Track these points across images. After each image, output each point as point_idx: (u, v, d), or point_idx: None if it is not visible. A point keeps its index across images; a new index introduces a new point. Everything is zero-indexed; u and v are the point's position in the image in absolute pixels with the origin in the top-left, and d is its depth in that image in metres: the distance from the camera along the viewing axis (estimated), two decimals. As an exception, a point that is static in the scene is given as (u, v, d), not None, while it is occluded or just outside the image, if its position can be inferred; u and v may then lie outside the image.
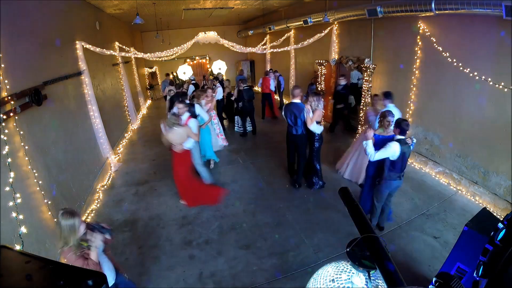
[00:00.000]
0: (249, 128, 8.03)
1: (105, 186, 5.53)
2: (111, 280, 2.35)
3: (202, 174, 5.13)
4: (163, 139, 4.50)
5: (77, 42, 5.32)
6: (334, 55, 7.82)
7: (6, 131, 2.89)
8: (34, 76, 3.64)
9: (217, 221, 4.34)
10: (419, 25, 5.13)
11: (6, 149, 2.82)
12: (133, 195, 5.21)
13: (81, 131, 5.03)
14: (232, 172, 5.90)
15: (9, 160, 2.83)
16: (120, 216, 4.61)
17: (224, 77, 10.70)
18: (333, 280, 1.06)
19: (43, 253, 3.10)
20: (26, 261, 0.70)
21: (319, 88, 8.24)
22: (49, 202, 3.43)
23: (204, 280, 3.31)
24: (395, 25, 5.71)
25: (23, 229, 2.81)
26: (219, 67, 11.60)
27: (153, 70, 14.96)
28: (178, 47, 7.66)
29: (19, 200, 2.85)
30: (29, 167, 3.20)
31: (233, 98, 8.05)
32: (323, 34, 7.77)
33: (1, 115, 2.79)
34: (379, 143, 3.56)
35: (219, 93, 7.88)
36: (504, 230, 1.26)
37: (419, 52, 5.29)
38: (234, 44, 8.50)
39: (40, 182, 3.32)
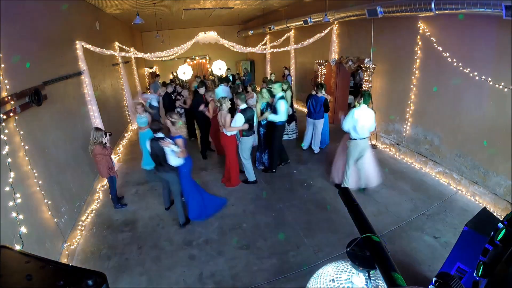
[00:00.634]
0: None
1: (105, 186, 5.53)
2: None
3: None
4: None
5: (77, 42, 5.32)
6: (334, 55, 7.82)
7: (6, 131, 2.90)
8: (34, 76, 3.65)
9: (217, 221, 4.34)
10: (419, 25, 5.13)
11: (6, 149, 2.82)
12: (133, 195, 5.21)
13: (81, 131, 5.04)
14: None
15: (9, 160, 2.83)
16: (120, 216, 4.61)
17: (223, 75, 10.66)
18: (333, 280, 1.06)
19: (43, 253, 3.10)
20: (26, 261, 0.69)
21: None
22: (49, 202, 3.44)
23: (204, 280, 3.31)
24: (395, 25, 5.71)
25: (23, 229, 2.81)
26: (219, 67, 11.59)
27: (153, 70, 14.96)
28: (178, 47, 7.66)
29: (19, 200, 2.85)
30: (29, 167, 3.20)
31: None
32: (323, 34, 7.77)
33: (1, 115, 2.79)
34: None
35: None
36: (504, 230, 1.26)
37: (419, 52, 5.29)
38: (234, 44, 8.49)
39: (40, 182, 3.32)
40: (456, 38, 4.59)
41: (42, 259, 0.70)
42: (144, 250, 3.82)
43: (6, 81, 2.96)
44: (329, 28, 7.75)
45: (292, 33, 10.09)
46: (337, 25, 7.69)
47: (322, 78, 8.35)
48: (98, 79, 6.53)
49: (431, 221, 4.10)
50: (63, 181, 4.08)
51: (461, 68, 4.45)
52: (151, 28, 11.34)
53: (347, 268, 1.08)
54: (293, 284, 3.19)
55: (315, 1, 7.90)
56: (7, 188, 2.77)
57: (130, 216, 4.60)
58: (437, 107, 5.12)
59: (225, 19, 12.76)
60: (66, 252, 3.60)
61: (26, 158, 3.17)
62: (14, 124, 3.05)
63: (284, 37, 9.90)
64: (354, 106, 4.66)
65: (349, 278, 1.05)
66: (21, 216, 2.83)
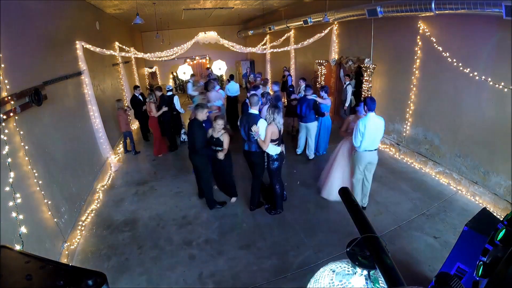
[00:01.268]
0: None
1: (105, 186, 5.54)
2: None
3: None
4: None
5: (77, 42, 5.32)
6: (334, 55, 7.82)
7: (6, 131, 2.89)
8: (34, 76, 3.65)
9: (217, 221, 4.34)
10: (419, 25, 5.13)
11: (6, 149, 2.82)
12: (133, 195, 5.21)
13: (81, 131, 5.04)
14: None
15: (9, 160, 2.83)
16: (120, 216, 4.61)
17: (225, 77, 10.67)
18: (333, 280, 1.06)
19: (43, 253, 3.10)
20: (26, 261, 0.69)
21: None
22: (49, 202, 3.44)
23: (204, 280, 3.31)
24: (395, 25, 5.71)
25: (23, 229, 2.81)
26: (219, 67, 11.60)
27: (153, 70, 14.96)
28: (178, 47, 7.67)
29: (19, 200, 2.85)
30: (29, 167, 3.20)
31: None
32: (323, 34, 7.77)
33: (1, 115, 2.79)
34: None
35: None
36: (504, 230, 1.26)
37: (419, 52, 5.29)
38: (234, 44, 8.50)
39: (40, 182, 3.32)
40: (456, 38, 4.59)
41: (42, 259, 0.70)
42: (144, 250, 3.82)
43: (6, 81, 2.96)
44: (329, 28, 7.75)
45: (292, 33, 10.09)
46: (337, 25, 7.69)
47: (322, 78, 8.35)
48: (98, 79, 6.53)
49: (431, 221, 4.10)
50: (63, 181, 4.08)
51: (461, 68, 4.45)
52: (151, 28, 11.34)
53: (347, 268, 1.08)
54: (293, 284, 3.19)
55: (315, 1, 7.91)
56: (7, 188, 2.77)
57: (130, 216, 4.60)
58: (437, 107, 5.12)
59: (225, 19, 12.77)
60: (66, 252, 3.60)
61: (26, 158, 3.17)
62: (14, 124, 3.05)
63: (284, 37, 9.90)
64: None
65: (349, 278, 1.05)
66: (21, 216, 2.82)
